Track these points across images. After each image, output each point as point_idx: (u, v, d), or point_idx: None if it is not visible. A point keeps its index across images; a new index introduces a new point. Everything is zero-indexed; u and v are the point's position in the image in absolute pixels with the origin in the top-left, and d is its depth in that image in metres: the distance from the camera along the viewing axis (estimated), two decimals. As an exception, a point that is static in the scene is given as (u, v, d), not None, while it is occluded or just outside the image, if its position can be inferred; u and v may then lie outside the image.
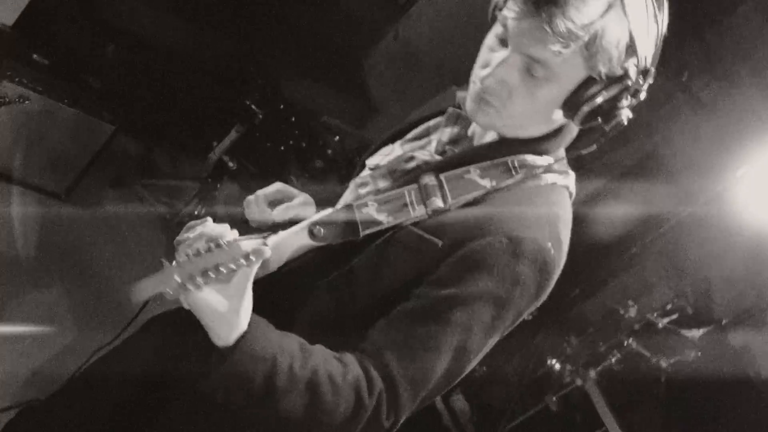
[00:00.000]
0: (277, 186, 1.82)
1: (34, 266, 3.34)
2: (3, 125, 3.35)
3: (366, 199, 1.47)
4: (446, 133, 1.62)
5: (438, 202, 1.43)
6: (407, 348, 1.37)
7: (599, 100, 1.38)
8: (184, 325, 1.65)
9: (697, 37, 4.02)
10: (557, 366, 4.07)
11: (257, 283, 1.28)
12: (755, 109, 3.86)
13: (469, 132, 1.60)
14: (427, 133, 1.67)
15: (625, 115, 1.40)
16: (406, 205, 1.44)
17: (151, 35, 3.77)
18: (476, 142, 1.57)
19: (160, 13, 3.77)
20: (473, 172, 1.46)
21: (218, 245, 1.18)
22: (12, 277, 3.21)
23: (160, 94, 4.01)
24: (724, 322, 3.89)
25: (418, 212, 1.43)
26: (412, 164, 1.56)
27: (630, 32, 1.34)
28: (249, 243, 1.24)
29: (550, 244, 1.42)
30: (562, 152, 1.57)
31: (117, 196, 3.92)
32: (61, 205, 3.67)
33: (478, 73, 1.46)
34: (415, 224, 1.43)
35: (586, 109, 1.39)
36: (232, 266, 1.17)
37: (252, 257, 1.19)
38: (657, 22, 1.39)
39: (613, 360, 3.92)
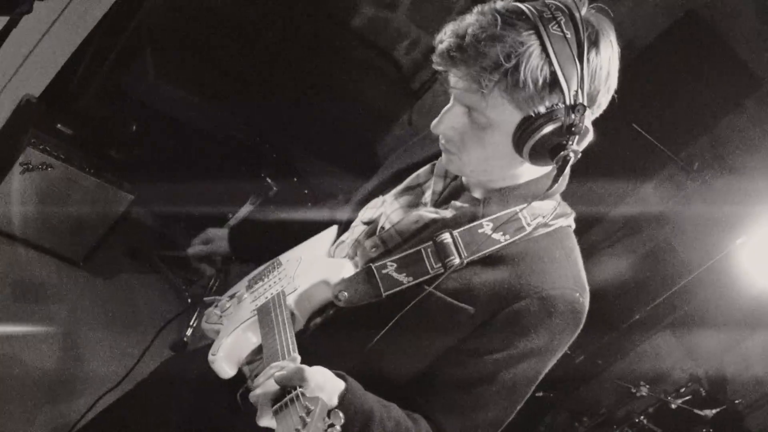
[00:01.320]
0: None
1: (46, 331, 3.35)
2: (25, 191, 3.40)
3: (384, 260, 1.52)
4: (439, 184, 1.65)
5: (455, 260, 1.46)
6: (457, 409, 1.47)
7: (537, 136, 1.39)
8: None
9: (707, 130, 4.13)
10: (570, 446, 4.04)
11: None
12: (761, 193, 3.92)
13: (464, 181, 1.62)
14: (417, 184, 1.70)
15: (571, 149, 1.40)
16: (424, 264, 1.49)
17: (173, 110, 3.88)
18: (472, 194, 1.59)
19: (184, 91, 3.89)
20: (486, 227, 1.50)
21: (309, 411, 1.18)
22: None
23: (178, 167, 4.08)
24: (738, 401, 3.85)
25: (436, 271, 1.47)
26: (420, 224, 1.57)
27: (551, 70, 1.36)
28: (322, 376, 1.32)
29: (577, 294, 1.49)
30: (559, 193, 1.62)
31: (133, 265, 3.95)
32: (77, 271, 3.69)
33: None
34: (439, 287, 1.47)
35: (529, 144, 1.41)
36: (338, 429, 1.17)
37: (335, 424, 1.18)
38: (590, 59, 1.39)
39: (625, 438, 3.88)
